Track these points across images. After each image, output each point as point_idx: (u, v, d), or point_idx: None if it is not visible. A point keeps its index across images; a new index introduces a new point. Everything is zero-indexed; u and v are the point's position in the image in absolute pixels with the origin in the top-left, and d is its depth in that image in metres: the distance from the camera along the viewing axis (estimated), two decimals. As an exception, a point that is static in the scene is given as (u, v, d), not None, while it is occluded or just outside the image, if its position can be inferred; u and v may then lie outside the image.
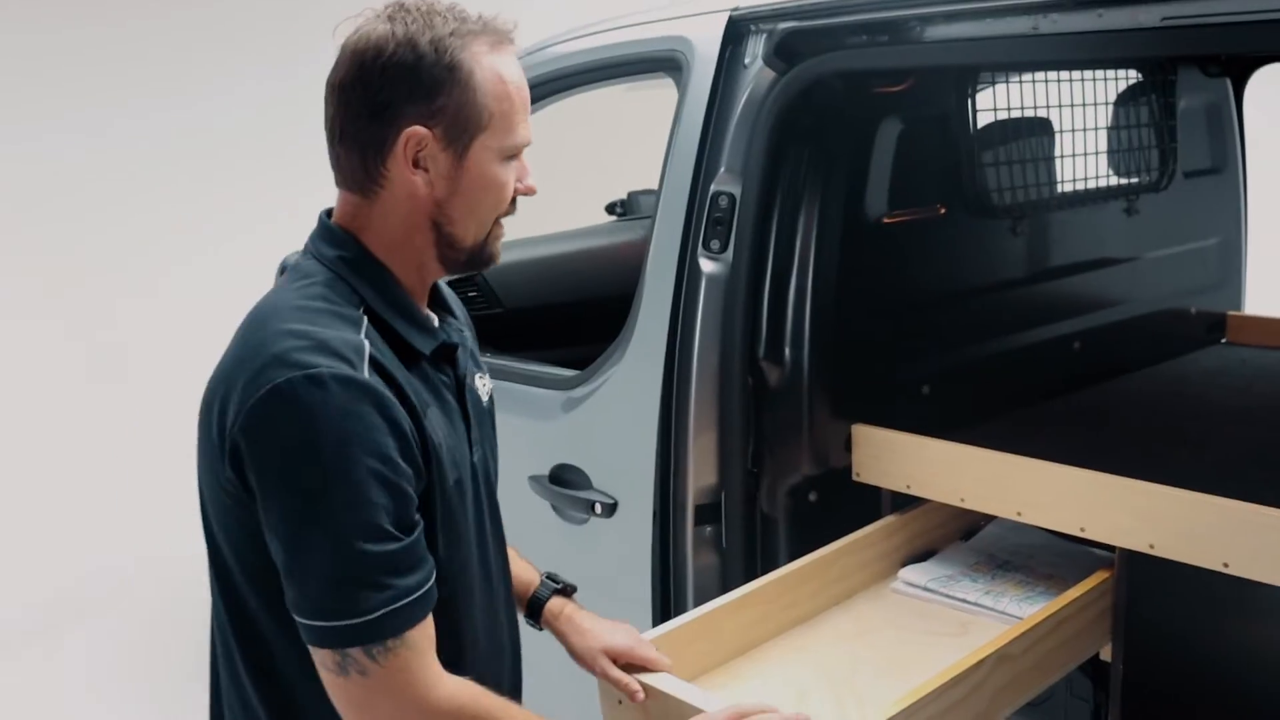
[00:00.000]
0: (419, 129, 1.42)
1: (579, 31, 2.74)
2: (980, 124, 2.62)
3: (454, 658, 1.49)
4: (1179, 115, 3.12)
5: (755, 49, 2.28)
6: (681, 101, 2.39)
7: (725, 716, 1.58)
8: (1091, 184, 2.90)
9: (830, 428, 2.40)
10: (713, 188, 2.31)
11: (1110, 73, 2.99)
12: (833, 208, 2.33)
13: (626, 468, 2.43)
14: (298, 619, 1.37)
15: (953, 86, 2.57)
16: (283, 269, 2.89)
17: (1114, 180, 3.01)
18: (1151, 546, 1.97)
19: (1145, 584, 2.06)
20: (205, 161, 6.06)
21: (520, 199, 1.54)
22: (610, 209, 4.16)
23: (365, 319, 1.44)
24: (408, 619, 1.36)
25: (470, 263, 1.54)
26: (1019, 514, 2.16)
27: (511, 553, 1.79)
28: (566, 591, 1.86)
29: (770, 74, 2.26)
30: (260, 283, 1.72)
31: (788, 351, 2.33)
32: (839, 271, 2.35)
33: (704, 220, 2.32)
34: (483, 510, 1.61)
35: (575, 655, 1.80)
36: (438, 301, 1.62)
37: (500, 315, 3.30)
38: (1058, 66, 2.69)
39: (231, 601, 1.49)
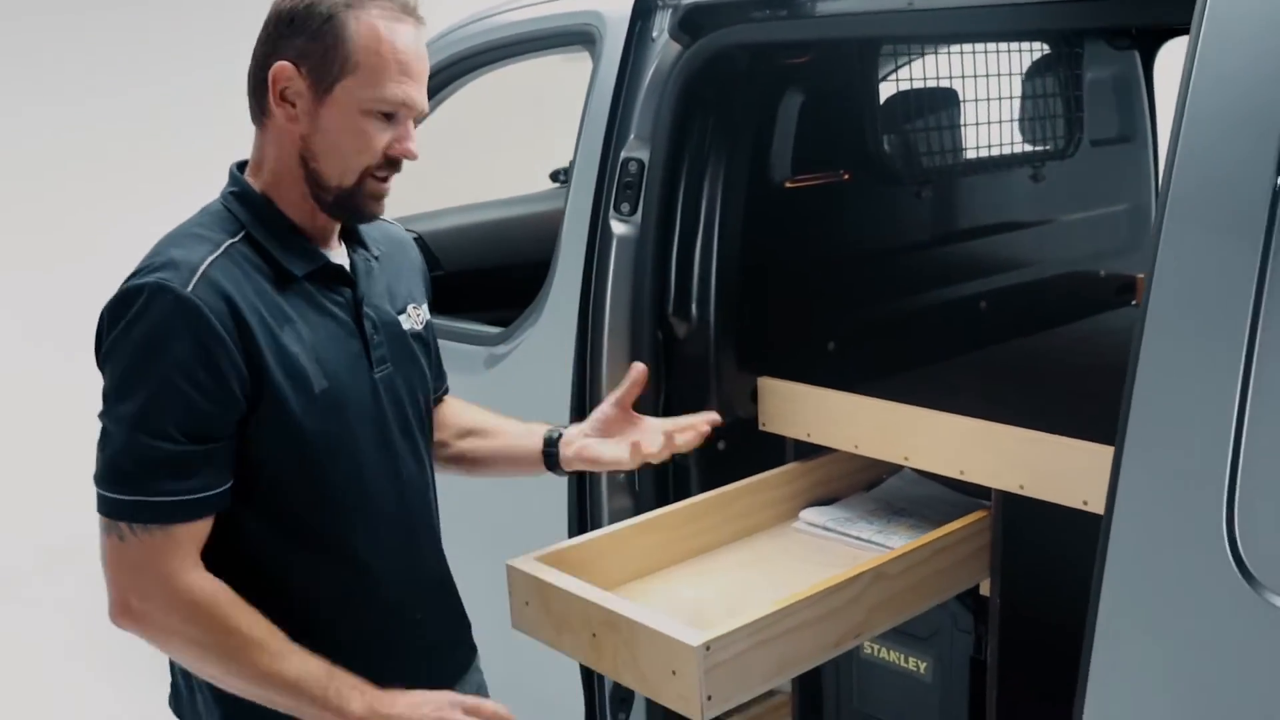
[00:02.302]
0: (286, 64, 1.59)
1: (500, 8, 2.86)
2: (885, 95, 2.75)
3: (337, 574, 1.68)
4: (1086, 86, 3.25)
5: (662, 23, 2.41)
6: (595, 73, 2.52)
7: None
8: (996, 151, 3.03)
9: (737, 380, 2.54)
10: (623, 154, 2.44)
11: (1018, 45, 3.12)
12: (737, 173, 2.47)
13: (546, 418, 2.56)
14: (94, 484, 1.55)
15: (857, 58, 2.71)
16: None
17: (1020, 148, 3.14)
18: (1021, 487, 2.12)
19: (1018, 522, 2.21)
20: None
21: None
22: (554, 176, 4.27)
23: (233, 241, 1.61)
24: (169, 514, 1.53)
25: (338, 206, 1.67)
26: (906, 458, 2.31)
27: (489, 416, 2.01)
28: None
29: (676, 47, 2.38)
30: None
31: (694, 308, 2.47)
32: (743, 232, 2.49)
33: (615, 185, 2.45)
34: (387, 426, 1.74)
35: (612, 462, 1.93)
36: (353, 237, 1.77)
37: (440, 277, 3.41)
38: (947, 40, 2.82)
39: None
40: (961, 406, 2.26)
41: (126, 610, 1.55)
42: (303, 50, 1.58)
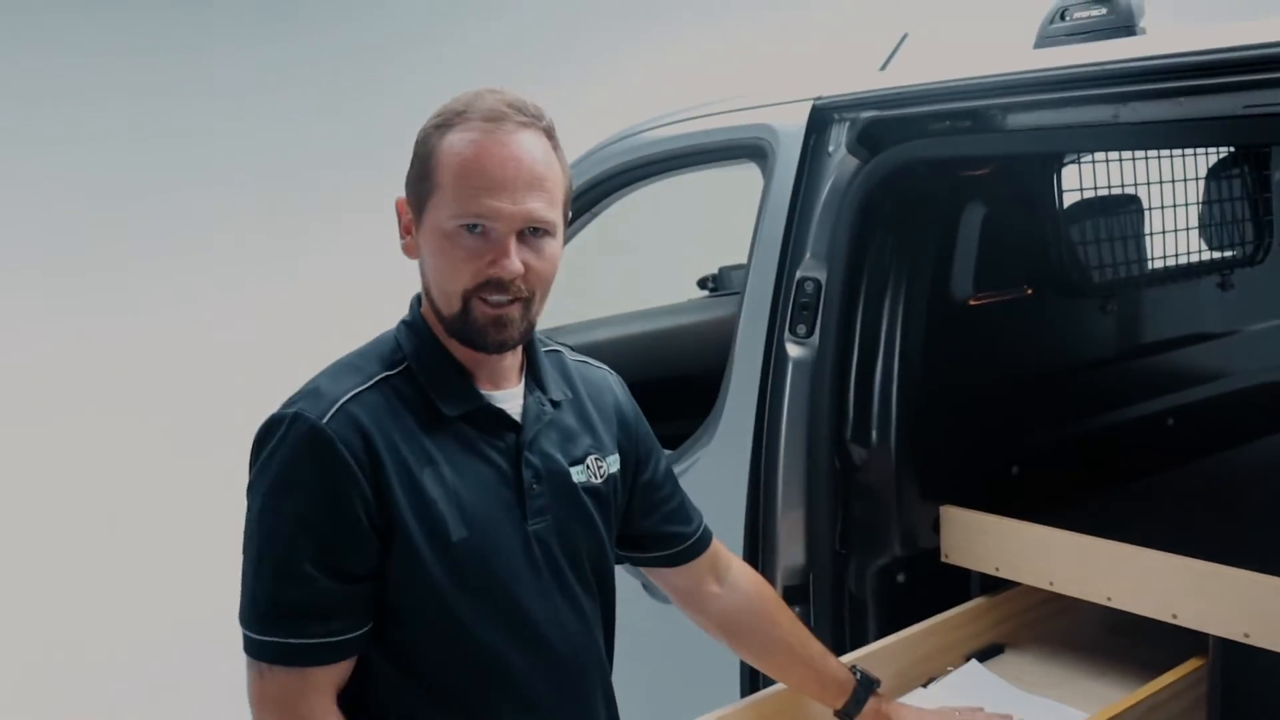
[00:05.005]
0: (400, 198, 1.59)
1: (664, 119, 2.80)
2: (1066, 203, 2.63)
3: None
4: (1276, 186, 3.10)
5: (839, 137, 2.32)
6: (767, 188, 2.43)
7: None
8: (1182, 260, 2.88)
9: (918, 509, 2.41)
10: (799, 273, 2.34)
11: (1202, 148, 2.98)
12: (918, 291, 2.36)
13: (716, 544, 2.47)
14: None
15: (1038, 167, 2.59)
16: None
17: (1206, 255, 2.99)
18: (1246, 635, 1.95)
19: (1240, 672, 2.03)
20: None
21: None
22: (701, 284, 4.20)
23: (389, 374, 1.56)
24: (305, 658, 1.47)
25: (458, 336, 1.57)
26: (1109, 599, 2.15)
27: (799, 631, 1.95)
28: (877, 687, 1.97)
29: (854, 161, 2.29)
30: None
31: (874, 434, 2.35)
32: (925, 354, 2.37)
33: (790, 305, 2.35)
34: (539, 580, 1.61)
35: None
36: (536, 377, 1.67)
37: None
38: (1147, 149, 2.69)
39: None
40: (1160, 537, 2.10)
41: None
42: (408, 179, 1.57)
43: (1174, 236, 2.87)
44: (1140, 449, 2.78)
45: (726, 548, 1.97)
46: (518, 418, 1.62)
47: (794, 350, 2.34)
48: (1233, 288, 3.01)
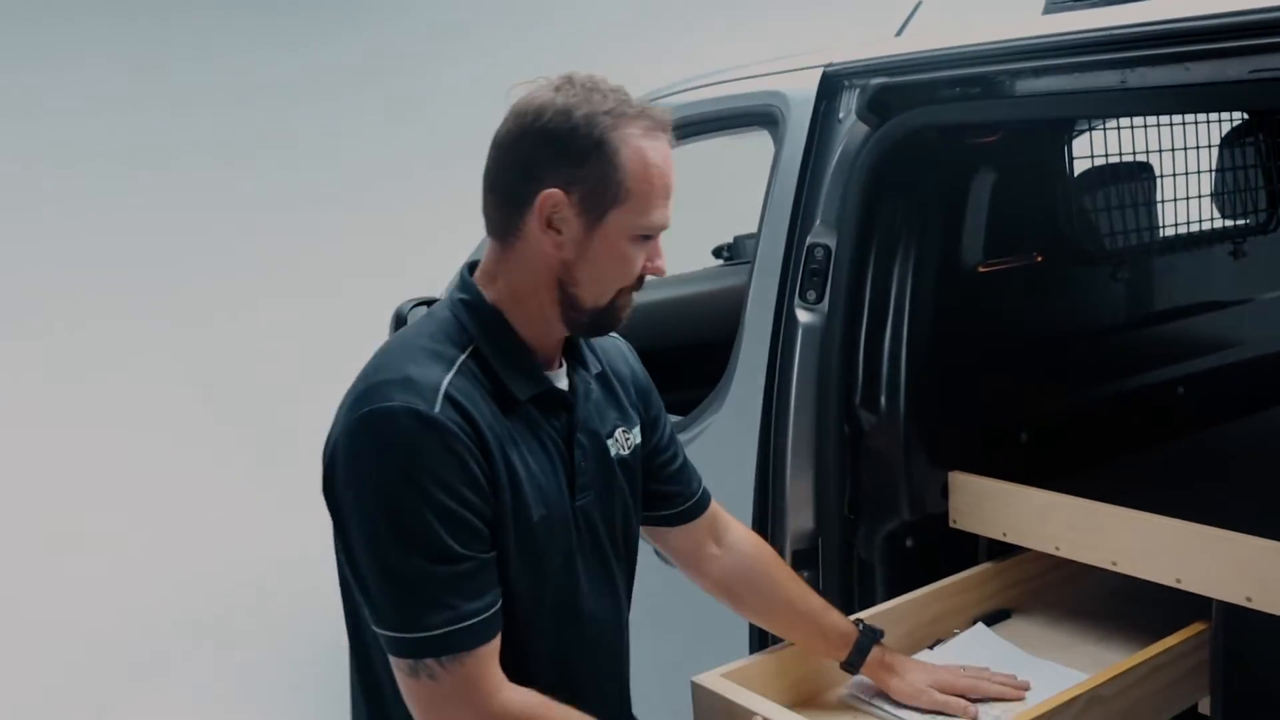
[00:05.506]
0: (557, 192, 1.53)
1: (675, 87, 2.81)
2: (1078, 171, 2.63)
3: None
4: (1289, 155, 3.09)
5: (849, 104, 2.33)
6: (778, 155, 2.44)
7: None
8: (1194, 228, 2.88)
9: (927, 474, 2.42)
10: (809, 240, 2.36)
11: (1214, 115, 2.98)
12: (927, 258, 2.36)
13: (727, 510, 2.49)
14: (376, 629, 1.50)
15: (1049, 134, 2.59)
16: (397, 316, 3.00)
17: (1219, 223, 2.98)
18: (1249, 599, 1.96)
19: (1243, 636, 2.04)
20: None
21: None
22: (716, 253, 4.21)
23: (465, 358, 1.55)
24: (476, 638, 1.48)
25: (591, 326, 1.64)
26: (1114, 564, 2.16)
27: (799, 586, 1.99)
28: (880, 637, 1.99)
29: (864, 128, 2.29)
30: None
31: (883, 399, 2.36)
32: (934, 320, 2.38)
33: (800, 271, 2.36)
34: (583, 554, 1.68)
35: (898, 694, 1.97)
36: (575, 355, 1.71)
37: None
38: (1156, 115, 2.69)
39: (350, 623, 1.63)
40: (1167, 504, 2.11)
41: None
42: (573, 178, 1.53)
43: (1186, 204, 2.87)
44: (1150, 417, 2.78)
45: (726, 511, 2.01)
46: (570, 397, 1.67)
47: (804, 316, 2.36)
48: (1245, 256, 3.00)
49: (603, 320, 1.63)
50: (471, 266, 1.66)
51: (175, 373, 5.91)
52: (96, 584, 5.15)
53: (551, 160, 1.52)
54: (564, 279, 1.57)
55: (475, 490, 1.49)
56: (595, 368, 1.75)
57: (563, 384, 1.67)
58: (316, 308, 5.92)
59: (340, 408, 1.54)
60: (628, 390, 1.81)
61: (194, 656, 4.83)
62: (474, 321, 1.59)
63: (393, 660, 1.50)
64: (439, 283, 3.11)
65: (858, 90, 2.30)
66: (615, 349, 1.85)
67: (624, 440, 1.75)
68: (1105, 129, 2.68)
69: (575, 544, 1.66)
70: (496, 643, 1.51)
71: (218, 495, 5.78)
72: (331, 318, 5.50)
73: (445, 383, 1.50)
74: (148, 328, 5.84)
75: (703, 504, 1.94)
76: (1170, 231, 2.87)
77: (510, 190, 1.56)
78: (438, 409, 1.47)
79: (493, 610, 1.50)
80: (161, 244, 5.85)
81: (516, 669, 1.56)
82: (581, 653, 1.70)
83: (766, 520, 2.41)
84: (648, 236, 1.58)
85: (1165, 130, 2.82)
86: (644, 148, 1.54)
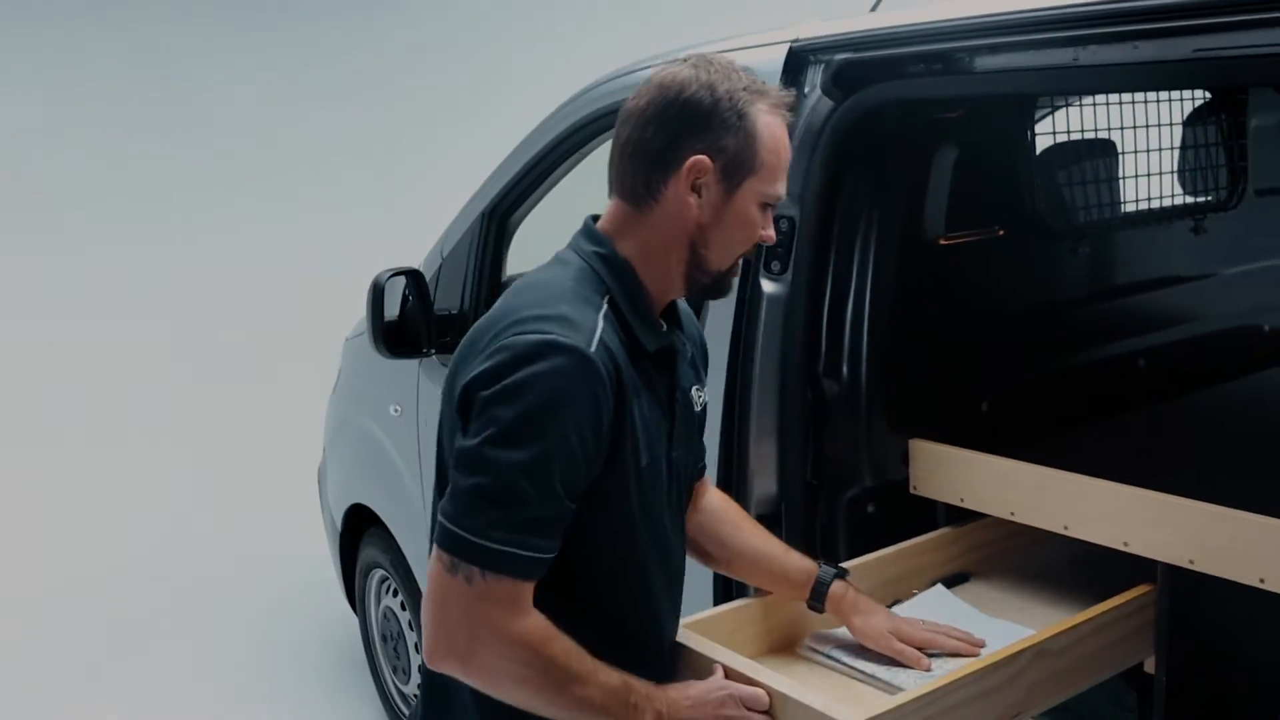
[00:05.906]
0: (704, 159, 1.64)
1: (644, 63, 2.84)
2: (1040, 147, 2.68)
3: (596, 630, 1.66)
4: (1251, 134, 3.14)
5: (814, 78, 2.36)
6: (744, 128, 2.48)
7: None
8: (1155, 204, 2.94)
9: (888, 442, 2.48)
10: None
11: (1177, 93, 3.03)
12: (889, 230, 2.42)
13: (691, 479, 2.55)
14: (440, 518, 1.56)
15: (1012, 110, 2.64)
16: (375, 286, 3.04)
17: (1180, 200, 3.04)
18: (1191, 562, 2.03)
19: (1186, 597, 2.11)
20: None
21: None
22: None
23: (606, 307, 1.64)
24: (526, 570, 1.55)
25: (713, 288, 1.76)
26: (1065, 528, 2.22)
27: (761, 532, 2.07)
28: (845, 575, 2.06)
29: (828, 102, 2.34)
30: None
31: (846, 368, 2.42)
32: (896, 290, 2.43)
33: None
34: (670, 502, 1.79)
35: (859, 633, 2.04)
36: (671, 316, 1.81)
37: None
38: (1107, 92, 2.74)
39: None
40: (1122, 472, 2.17)
41: (452, 650, 1.57)
42: (718, 145, 1.64)
43: (1148, 181, 2.93)
44: (1111, 389, 2.84)
45: None
46: (675, 354, 1.77)
47: (768, 286, 2.40)
48: (1205, 233, 3.06)
49: (720, 283, 1.75)
50: (593, 219, 1.75)
51: (172, 368, 5.99)
52: (89, 548, 5.22)
53: (697, 130, 1.63)
54: (696, 240, 1.68)
55: (596, 439, 1.57)
56: (689, 329, 1.87)
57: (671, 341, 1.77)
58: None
59: (469, 343, 1.63)
60: (697, 350, 1.93)
61: (186, 623, 4.90)
62: (609, 273, 1.68)
63: (436, 549, 1.56)
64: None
65: (822, 65, 2.34)
66: (687, 313, 1.94)
67: (697, 397, 1.87)
68: (1069, 106, 2.73)
69: (666, 492, 1.77)
70: (532, 585, 1.57)
71: (212, 462, 5.84)
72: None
73: (600, 327, 1.59)
74: (127, 300, 5.90)
75: (702, 470, 2.04)
76: (1132, 207, 2.93)
77: (653, 156, 1.65)
78: (593, 349, 1.56)
79: (549, 556, 1.57)
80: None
81: (621, 607, 1.71)
82: (665, 587, 1.82)
83: (731, 486, 2.45)
84: (769, 206, 1.71)
85: (1129, 108, 2.87)
86: (773, 123, 1.67)
